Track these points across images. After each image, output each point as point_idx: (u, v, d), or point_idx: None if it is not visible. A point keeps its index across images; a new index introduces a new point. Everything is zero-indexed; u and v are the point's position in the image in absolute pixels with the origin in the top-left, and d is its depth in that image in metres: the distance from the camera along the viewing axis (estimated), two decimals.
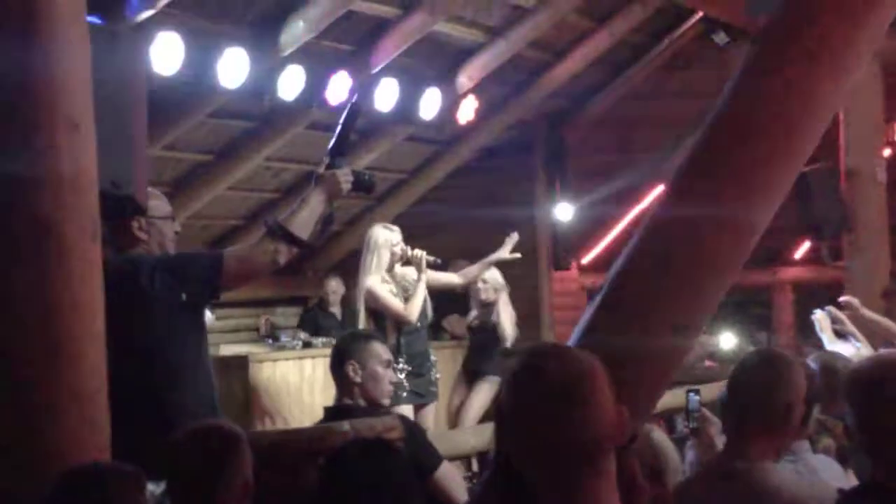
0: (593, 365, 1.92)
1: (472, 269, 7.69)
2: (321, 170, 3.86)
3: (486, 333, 8.19)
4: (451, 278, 7.49)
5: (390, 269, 6.83)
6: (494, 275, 8.17)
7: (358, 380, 4.08)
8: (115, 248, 3.64)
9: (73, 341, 2.72)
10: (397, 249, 6.80)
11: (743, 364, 3.04)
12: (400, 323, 6.73)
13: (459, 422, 7.86)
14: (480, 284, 8.08)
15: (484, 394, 7.95)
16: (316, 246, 3.83)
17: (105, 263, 3.24)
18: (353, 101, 4.02)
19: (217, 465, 2.84)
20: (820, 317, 6.19)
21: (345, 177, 3.85)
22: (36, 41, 2.74)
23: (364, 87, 7.98)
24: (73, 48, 2.80)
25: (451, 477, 3.85)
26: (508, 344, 8.10)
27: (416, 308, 6.74)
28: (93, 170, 2.84)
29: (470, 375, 8.12)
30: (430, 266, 6.91)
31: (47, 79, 2.74)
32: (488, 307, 8.24)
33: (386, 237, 6.83)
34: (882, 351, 4.61)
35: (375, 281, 6.74)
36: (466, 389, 8.03)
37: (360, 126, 8.84)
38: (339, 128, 3.93)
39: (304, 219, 3.73)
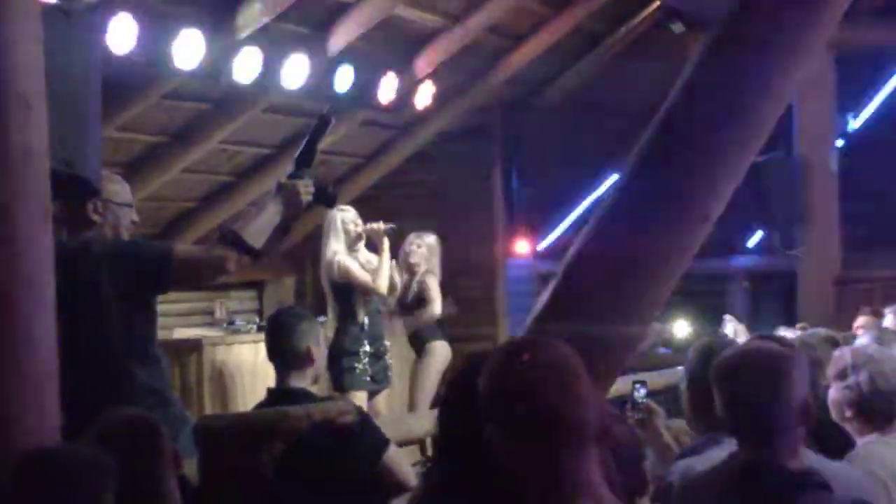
0: (573, 353, 1.96)
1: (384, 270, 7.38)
2: (283, 178, 3.83)
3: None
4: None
5: (352, 249, 6.83)
6: (431, 240, 7.92)
7: (315, 360, 4.03)
8: (69, 228, 3.61)
9: (22, 321, 2.70)
10: (351, 227, 6.81)
11: (739, 369, 2.65)
12: (367, 296, 6.72)
13: (415, 392, 7.56)
14: (414, 248, 7.65)
15: (435, 358, 7.62)
16: (268, 254, 3.78)
17: (57, 244, 3.21)
18: (324, 112, 3.97)
19: (144, 455, 2.83)
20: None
21: (306, 188, 3.81)
22: None
23: (323, 74, 7.95)
24: (25, 27, 2.76)
25: (399, 459, 3.85)
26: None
27: (384, 279, 6.74)
28: (44, 149, 2.80)
29: (416, 344, 7.82)
30: (387, 234, 6.86)
31: None
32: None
33: (342, 217, 6.85)
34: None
35: (343, 256, 6.73)
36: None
37: (317, 110, 8.80)
38: (307, 138, 3.89)
39: (259, 227, 3.71)
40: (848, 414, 3.26)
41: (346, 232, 6.81)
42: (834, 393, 3.31)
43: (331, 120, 3.96)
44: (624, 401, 3.81)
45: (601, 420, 1.94)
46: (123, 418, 2.97)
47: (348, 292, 6.78)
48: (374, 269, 6.79)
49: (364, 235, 6.82)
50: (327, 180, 4.02)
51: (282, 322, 4.04)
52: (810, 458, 2.67)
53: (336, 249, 6.77)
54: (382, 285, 6.73)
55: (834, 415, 3.33)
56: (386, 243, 6.80)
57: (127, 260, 3.58)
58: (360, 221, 6.85)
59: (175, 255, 3.63)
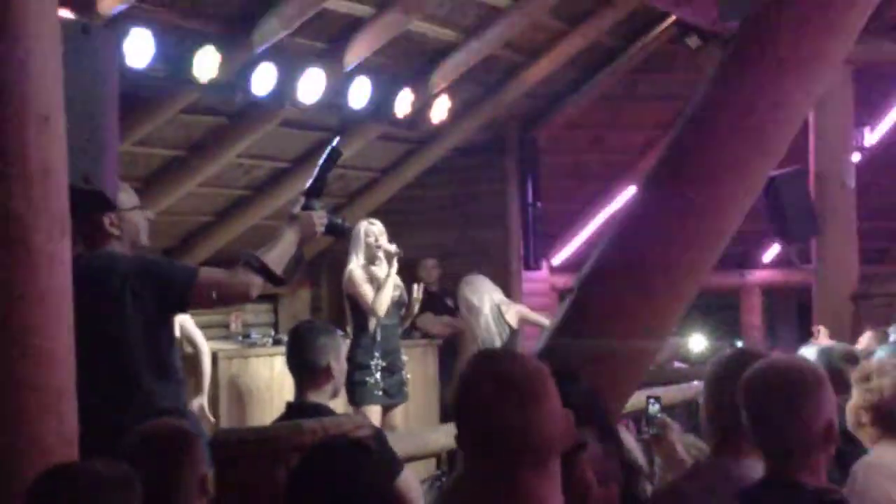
0: (543, 368, 1.95)
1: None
2: (297, 209, 3.89)
3: None
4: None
5: (370, 262, 6.85)
6: None
7: (335, 375, 4.04)
8: (87, 244, 3.63)
9: (40, 337, 2.70)
10: (371, 241, 6.84)
11: (766, 384, 2.61)
12: (370, 314, 6.75)
13: None
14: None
15: None
16: (288, 281, 3.86)
17: (77, 259, 3.23)
18: (333, 144, 4.01)
19: (174, 461, 2.83)
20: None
21: (319, 220, 3.90)
22: (6, 35, 2.72)
23: (339, 88, 7.97)
24: (45, 42, 2.78)
25: (412, 484, 3.85)
26: None
27: (383, 300, 6.75)
28: (63, 164, 2.82)
29: None
30: (396, 256, 6.89)
31: (17, 72, 2.72)
32: None
33: (367, 230, 6.89)
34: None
35: (355, 266, 6.79)
36: None
37: (332, 124, 8.85)
38: (316, 170, 3.95)
39: (279, 255, 3.78)
40: (864, 420, 3.25)
41: (367, 245, 6.84)
42: (854, 398, 3.30)
43: (340, 152, 4.01)
44: (639, 416, 3.81)
45: (570, 436, 1.92)
46: (160, 426, 2.98)
47: (358, 307, 6.81)
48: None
49: (383, 252, 6.84)
50: (339, 214, 4.09)
51: (301, 336, 4.06)
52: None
53: (353, 261, 6.81)
54: (380, 306, 6.74)
55: (850, 422, 3.31)
56: (393, 266, 6.81)
57: (153, 279, 3.61)
58: (383, 237, 6.87)
59: (199, 277, 3.66)
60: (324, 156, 3.96)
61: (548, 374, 1.94)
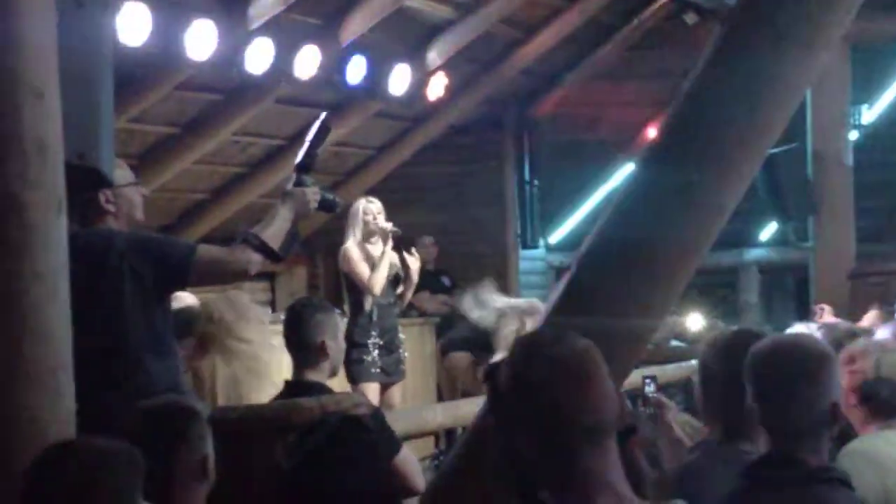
0: (593, 348, 1.96)
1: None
2: (290, 186, 3.89)
3: None
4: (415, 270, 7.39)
5: (366, 240, 6.84)
6: None
7: (331, 353, 4.04)
8: (82, 220, 3.62)
9: (36, 313, 2.69)
10: (369, 219, 6.82)
11: (774, 361, 2.57)
12: (366, 292, 6.75)
13: None
14: None
15: None
16: (285, 258, 3.87)
17: (74, 237, 3.22)
18: (322, 118, 4.00)
19: (172, 441, 2.82)
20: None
21: (314, 195, 3.90)
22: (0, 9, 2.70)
23: (335, 65, 7.95)
24: (38, 17, 2.76)
25: (411, 462, 3.85)
26: None
27: (379, 279, 6.73)
28: (58, 140, 2.80)
29: None
30: (392, 234, 6.86)
31: (10, 47, 2.69)
32: None
33: (364, 208, 6.87)
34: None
35: (351, 244, 6.78)
36: None
37: (328, 101, 8.81)
38: (306, 144, 3.94)
39: (275, 232, 3.77)
40: (852, 401, 3.25)
41: (365, 223, 6.82)
42: (842, 379, 3.30)
43: (330, 126, 3.99)
44: (636, 395, 3.80)
45: (621, 417, 1.94)
46: (161, 404, 2.97)
47: (353, 285, 6.80)
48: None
49: (379, 231, 6.82)
50: (333, 190, 4.10)
51: (297, 313, 4.06)
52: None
53: (349, 243, 6.79)
54: (376, 285, 6.71)
55: (842, 404, 3.31)
56: (388, 244, 6.79)
57: (150, 255, 3.60)
58: (381, 215, 6.85)
59: (198, 254, 3.65)
60: (313, 130, 3.96)
61: (598, 354, 1.96)
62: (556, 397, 1.90)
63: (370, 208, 6.87)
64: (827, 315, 6.31)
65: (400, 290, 6.97)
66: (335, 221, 7.12)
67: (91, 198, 3.61)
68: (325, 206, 3.99)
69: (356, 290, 6.79)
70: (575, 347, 1.96)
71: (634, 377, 3.86)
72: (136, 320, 3.58)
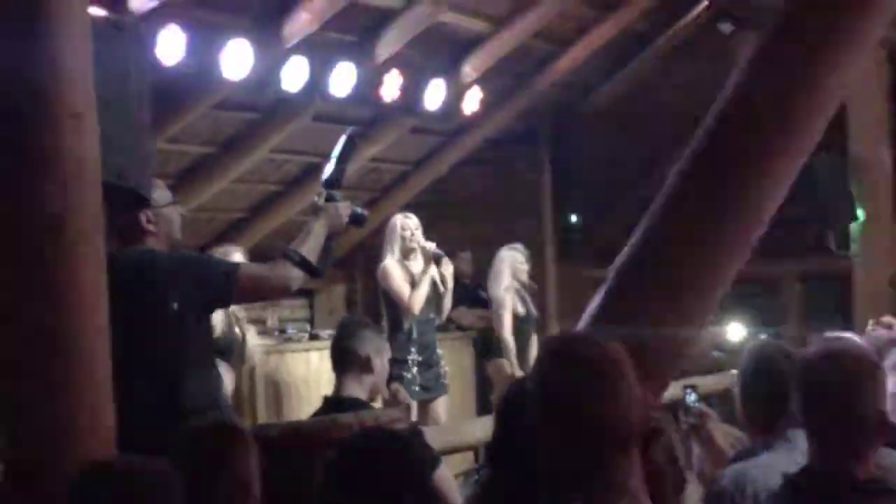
0: (622, 352, 1.95)
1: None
2: (321, 202, 3.91)
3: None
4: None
5: (405, 257, 6.83)
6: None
7: (375, 370, 4.05)
8: (123, 241, 3.65)
9: (75, 331, 2.71)
10: (407, 234, 6.82)
11: (816, 371, 2.55)
12: (406, 311, 6.74)
13: None
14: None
15: None
16: (323, 274, 3.89)
17: (114, 256, 3.25)
18: (349, 133, 4.02)
19: (216, 463, 2.82)
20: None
21: (345, 210, 3.93)
22: (38, 33, 2.73)
23: (371, 81, 7.97)
24: (75, 40, 2.78)
25: (448, 481, 3.84)
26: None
27: (419, 298, 6.73)
28: (96, 160, 2.82)
29: None
30: (435, 256, 6.87)
31: (49, 71, 2.72)
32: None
33: (402, 223, 6.87)
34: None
35: (391, 262, 6.77)
36: None
37: (364, 117, 8.85)
38: (334, 160, 3.95)
39: (312, 247, 3.80)
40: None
41: (403, 239, 6.82)
42: (891, 385, 3.25)
43: (356, 140, 4.01)
44: (676, 405, 3.78)
45: (645, 422, 1.92)
46: (207, 426, 2.97)
47: (391, 301, 6.79)
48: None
49: (418, 248, 6.82)
50: (356, 202, 4.11)
51: (347, 324, 4.16)
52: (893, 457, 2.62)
53: (388, 260, 6.79)
54: (416, 305, 6.71)
55: (890, 408, 3.27)
56: (432, 266, 6.78)
57: (193, 275, 3.63)
58: (418, 231, 6.85)
59: (240, 272, 3.68)
60: (339, 146, 3.97)
61: (626, 358, 1.94)
62: (582, 400, 1.88)
63: (408, 224, 6.87)
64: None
65: (439, 303, 6.96)
66: (372, 238, 7.13)
67: (131, 218, 3.64)
68: (354, 219, 4.01)
69: (394, 307, 6.78)
70: (604, 351, 1.94)
71: (675, 388, 3.84)
72: (177, 339, 3.60)
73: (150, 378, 3.54)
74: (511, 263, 8.17)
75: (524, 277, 8.22)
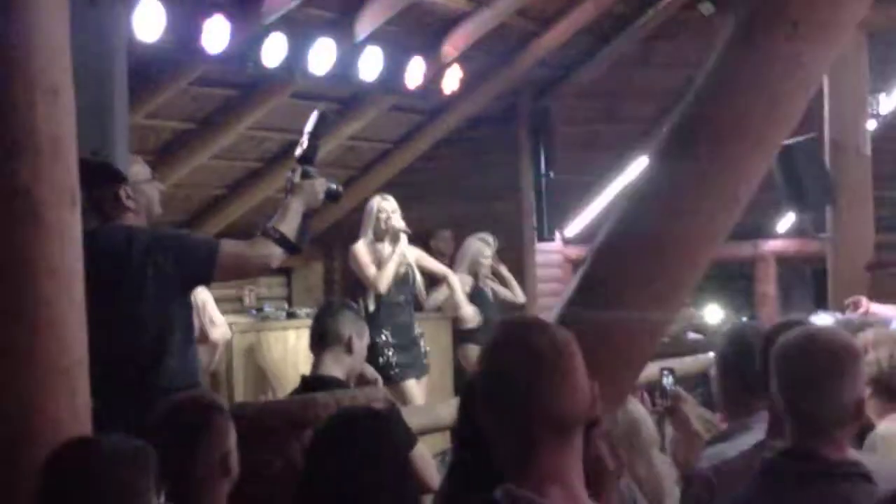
0: (572, 339, 1.93)
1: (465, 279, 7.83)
2: (296, 178, 3.90)
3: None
4: (442, 269, 7.49)
5: (380, 239, 6.84)
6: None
7: (355, 351, 4.06)
8: (102, 216, 3.63)
9: (51, 309, 2.70)
10: (383, 217, 6.82)
11: (796, 354, 2.54)
12: (371, 290, 6.76)
13: None
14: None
15: None
16: (301, 250, 3.89)
17: (93, 232, 3.23)
18: (322, 109, 4.02)
19: (194, 437, 2.82)
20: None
21: (321, 186, 3.93)
22: (14, 7, 2.70)
23: (350, 59, 7.94)
24: (52, 14, 2.76)
25: (426, 458, 3.85)
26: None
27: (385, 278, 6.74)
28: (72, 136, 2.80)
29: None
30: (404, 233, 6.89)
31: (24, 45, 2.70)
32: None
33: (379, 205, 6.87)
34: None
35: (360, 244, 6.79)
36: None
37: (343, 95, 8.81)
38: (306, 136, 3.95)
39: (290, 224, 3.80)
40: (867, 392, 3.23)
41: (378, 220, 6.83)
42: None
43: (328, 116, 4.02)
44: (652, 388, 3.79)
45: (590, 411, 1.91)
46: (184, 400, 2.97)
47: (362, 282, 6.82)
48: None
49: (390, 229, 6.83)
50: (332, 178, 4.12)
51: (330, 305, 4.18)
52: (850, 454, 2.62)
53: (359, 242, 6.82)
54: (383, 284, 6.73)
55: None
56: (399, 245, 6.79)
57: (174, 252, 3.63)
58: (395, 214, 6.85)
59: (221, 250, 3.67)
60: (312, 121, 3.97)
61: (576, 346, 1.93)
62: (526, 386, 1.87)
63: (385, 206, 6.86)
64: (865, 305, 6.14)
65: (413, 287, 6.98)
66: (350, 216, 7.13)
67: (110, 194, 3.63)
68: (330, 195, 4.03)
69: (363, 288, 6.80)
70: (554, 338, 1.92)
71: (652, 369, 3.85)
72: (157, 316, 3.60)
73: (130, 356, 3.54)
74: (473, 255, 8.25)
75: (484, 271, 8.30)
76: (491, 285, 8.45)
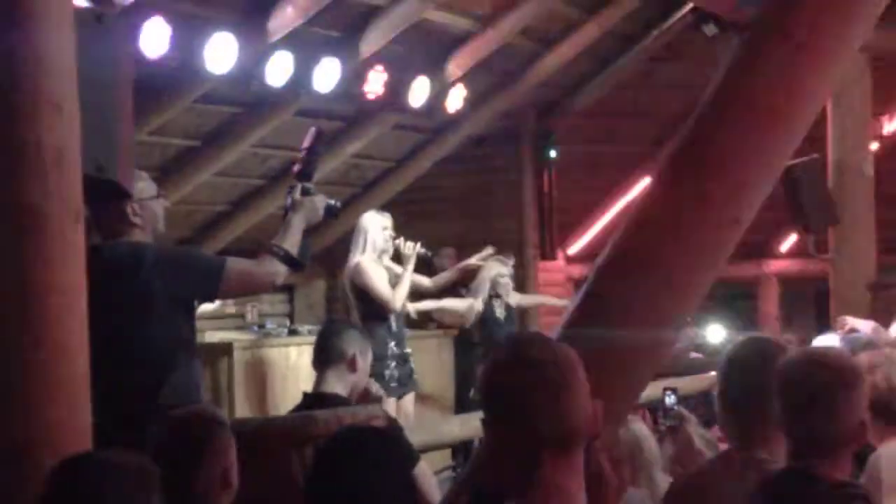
0: (574, 356, 1.94)
1: (444, 275, 7.77)
2: (296, 195, 3.92)
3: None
4: (422, 281, 7.50)
5: (381, 254, 6.83)
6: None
7: (358, 369, 4.06)
8: (108, 233, 3.65)
9: (54, 324, 2.70)
10: (388, 233, 6.82)
11: (799, 375, 2.55)
12: (384, 309, 6.74)
13: None
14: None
15: None
16: (304, 267, 3.92)
17: (98, 248, 3.24)
18: (317, 126, 4.05)
19: (196, 451, 2.82)
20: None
21: (321, 203, 3.96)
22: (20, 24, 2.72)
23: (355, 77, 7.97)
24: (58, 31, 2.77)
25: (427, 477, 3.85)
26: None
27: (401, 296, 6.75)
28: (76, 153, 2.81)
29: None
30: (420, 258, 6.91)
31: (31, 62, 2.71)
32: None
33: (377, 221, 6.86)
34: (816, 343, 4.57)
35: (367, 259, 6.74)
36: None
37: (348, 113, 8.83)
38: (303, 153, 3.98)
39: (293, 242, 3.82)
40: (865, 418, 3.23)
41: (374, 238, 6.82)
42: None
43: (324, 133, 4.05)
44: (655, 407, 3.80)
45: (592, 427, 1.92)
46: (186, 415, 2.97)
47: (367, 299, 6.78)
48: (395, 283, 6.82)
49: (393, 246, 6.83)
50: (336, 196, 4.16)
51: (333, 325, 4.19)
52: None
53: (363, 257, 6.78)
54: (399, 302, 6.74)
55: None
56: (411, 262, 6.81)
57: (181, 269, 3.65)
58: (391, 229, 6.85)
59: (227, 268, 3.68)
60: (309, 138, 3.99)
61: (578, 363, 1.94)
62: (528, 403, 1.88)
63: (381, 222, 6.86)
64: (851, 323, 6.16)
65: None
66: (352, 234, 7.12)
67: (118, 210, 3.64)
68: (328, 211, 4.04)
69: (370, 303, 6.76)
70: (556, 354, 1.93)
71: (655, 389, 3.86)
72: (163, 332, 3.61)
73: (134, 372, 3.54)
74: (492, 276, 8.27)
75: (502, 290, 8.31)
76: (518, 299, 8.46)
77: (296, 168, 3.98)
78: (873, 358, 3.35)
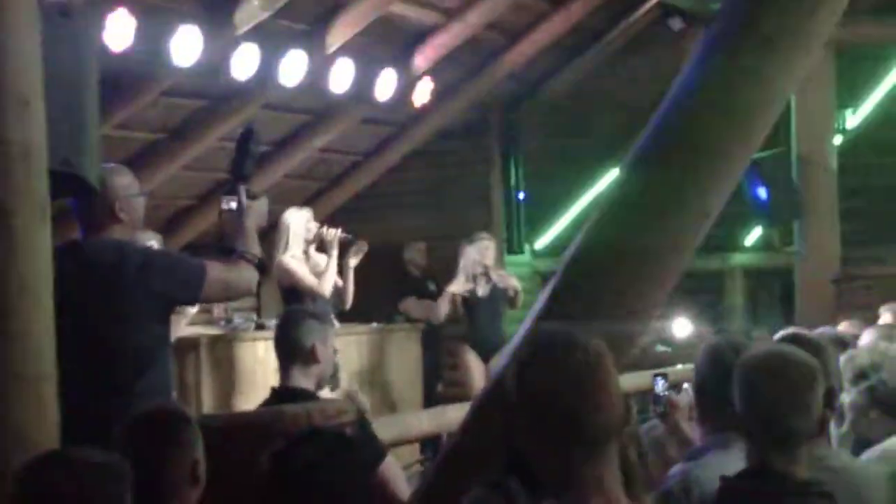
0: (604, 349, 1.95)
1: (443, 308, 8.18)
2: (243, 198, 3.92)
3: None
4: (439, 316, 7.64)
5: (304, 250, 6.91)
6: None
7: (321, 359, 4.04)
8: (91, 227, 3.63)
9: (19, 320, 2.68)
10: (311, 226, 6.90)
11: (766, 372, 2.57)
12: (314, 300, 6.78)
13: None
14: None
15: None
16: (267, 272, 3.95)
17: (78, 244, 3.22)
18: (248, 125, 4.05)
19: (161, 447, 2.81)
20: None
21: (265, 206, 3.99)
22: None
23: (321, 70, 7.95)
24: (23, 25, 2.75)
25: (395, 470, 3.85)
26: None
27: (328, 283, 6.83)
28: (43, 148, 2.80)
29: None
30: (343, 243, 6.94)
31: None
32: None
33: (299, 216, 6.93)
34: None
35: (287, 257, 6.83)
36: None
37: (315, 107, 8.80)
38: (235, 154, 3.96)
39: (257, 247, 3.88)
40: (873, 415, 3.24)
41: (297, 234, 6.89)
42: (855, 395, 3.28)
43: (254, 131, 4.03)
44: (646, 395, 3.81)
45: (624, 420, 1.93)
46: (152, 410, 2.97)
47: (296, 295, 6.83)
48: (321, 272, 6.86)
49: (316, 238, 6.90)
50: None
51: (289, 316, 4.15)
52: (842, 460, 2.65)
53: (284, 256, 6.84)
54: (327, 289, 6.82)
55: (853, 418, 3.29)
56: (335, 248, 6.85)
57: (166, 273, 3.65)
58: (313, 224, 6.93)
59: (209, 276, 3.71)
60: (242, 138, 3.98)
61: (609, 359, 1.95)
62: (565, 406, 1.88)
63: (302, 218, 6.95)
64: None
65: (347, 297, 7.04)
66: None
67: (104, 204, 3.62)
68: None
69: (296, 301, 6.80)
70: (588, 355, 1.93)
71: (642, 378, 3.86)
72: (140, 331, 3.61)
73: (112, 370, 3.54)
74: (470, 256, 8.30)
75: (480, 269, 8.32)
76: (494, 275, 8.42)
77: (238, 171, 3.97)
78: (874, 356, 3.36)
